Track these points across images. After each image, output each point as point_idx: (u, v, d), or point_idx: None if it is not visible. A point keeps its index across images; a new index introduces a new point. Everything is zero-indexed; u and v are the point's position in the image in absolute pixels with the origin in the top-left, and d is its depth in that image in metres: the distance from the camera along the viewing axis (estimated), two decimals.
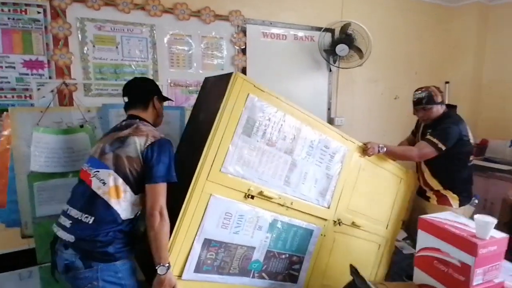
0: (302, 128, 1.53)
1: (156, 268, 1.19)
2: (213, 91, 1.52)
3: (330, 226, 1.70)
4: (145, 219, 1.21)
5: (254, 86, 1.39)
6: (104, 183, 1.20)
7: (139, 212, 1.29)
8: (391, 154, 1.86)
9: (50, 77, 1.98)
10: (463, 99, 3.21)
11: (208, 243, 1.38)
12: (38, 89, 1.85)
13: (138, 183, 1.23)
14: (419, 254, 1.23)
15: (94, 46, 2.08)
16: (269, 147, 1.45)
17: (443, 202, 1.92)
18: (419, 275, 1.23)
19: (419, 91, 1.94)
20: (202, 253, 1.37)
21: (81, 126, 1.74)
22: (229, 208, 1.40)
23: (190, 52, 2.35)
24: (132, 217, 1.24)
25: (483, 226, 1.07)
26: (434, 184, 1.96)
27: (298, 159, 1.54)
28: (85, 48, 2.06)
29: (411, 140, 2.20)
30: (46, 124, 1.67)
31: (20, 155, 1.63)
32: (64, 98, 2.00)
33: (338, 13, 2.82)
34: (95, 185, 1.20)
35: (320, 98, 2.89)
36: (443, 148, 1.80)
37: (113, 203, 1.19)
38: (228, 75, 1.36)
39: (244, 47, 2.50)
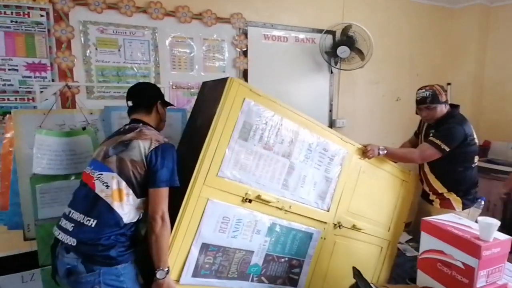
0: (300, 131, 1.53)
1: (155, 272, 1.19)
2: (210, 95, 1.53)
3: (330, 229, 1.69)
4: (147, 222, 1.22)
5: (250, 90, 1.39)
6: (107, 186, 1.20)
7: (141, 216, 1.29)
8: (392, 157, 1.84)
9: (53, 80, 1.99)
10: (464, 100, 3.20)
11: (206, 248, 1.38)
12: (41, 91, 1.86)
13: (141, 187, 1.23)
14: (422, 256, 1.22)
15: (96, 49, 2.09)
16: (267, 150, 1.45)
17: (446, 205, 1.89)
18: (422, 278, 1.22)
19: (423, 90, 1.88)
20: (200, 257, 1.37)
21: (84, 129, 1.75)
22: (226, 213, 1.40)
23: (191, 54, 2.36)
24: (134, 221, 1.24)
25: (487, 228, 1.06)
26: (438, 186, 1.92)
27: (296, 163, 1.54)
28: (88, 51, 2.07)
29: (414, 141, 2.17)
30: (49, 127, 1.68)
31: (22, 157, 1.64)
32: (67, 100, 2.01)
33: (339, 15, 2.83)
34: (98, 188, 1.21)
35: (322, 100, 2.89)
36: (447, 149, 1.76)
37: (116, 206, 1.19)
38: (224, 80, 1.36)
39: (245, 49, 2.51)
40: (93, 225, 1.17)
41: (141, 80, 2.19)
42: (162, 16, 2.22)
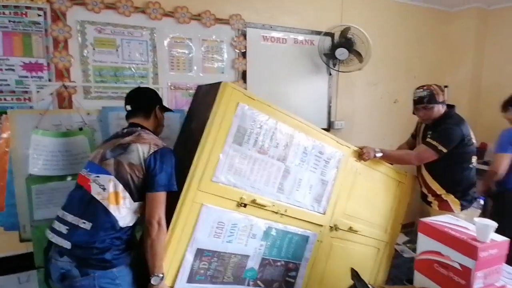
0: (295, 134, 1.52)
1: (150, 278, 1.19)
2: (204, 100, 1.53)
3: (327, 231, 1.69)
4: (143, 227, 1.21)
5: (244, 94, 1.39)
6: (104, 189, 1.19)
7: (137, 220, 1.28)
8: (388, 159, 1.84)
9: (49, 80, 1.98)
10: (461, 103, 3.21)
11: (200, 253, 1.37)
12: (38, 91, 1.84)
13: (138, 191, 1.23)
14: (420, 257, 1.22)
15: (94, 49, 2.08)
16: (261, 155, 1.45)
17: (444, 207, 1.89)
18: (419, 279, 1.22)
19: (421, 89, 1.88)
20: (194, 263, 1.37)
21: (81, 129, 1.74)
22: (221, 217, 1.39)
23: (190, 55, 2.36)
24: (130, 225, 1.24)
25: (483, 229, 1.06)
26: (436, 187, 1.92)
27: (292, 166, 1.53)
28: (85, 51, 2.06)
29: (411, 143, 2.17)
30: (45, 127, 1.67)
31: (18, 157, 1.62)
32: (64, 100, 2.00)
33: (338, 17, 2.84)
34: (94, 190, 1.20)
35: (320, 101, 2.90)
36: (444, 150, 1.76)
37: (112, 209, 1.18)
38: (218, 84, 1.36)
39: (244, 50, 2.51)
40: (88, 228, 1.16)
41: (139, 81, 2.19)
42: (161, 16, 2.21)
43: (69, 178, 1.67)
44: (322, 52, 2.71)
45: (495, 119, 3.31)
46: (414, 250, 2.14)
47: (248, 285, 1.52)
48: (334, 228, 1.71)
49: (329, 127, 2.93)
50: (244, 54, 2.52)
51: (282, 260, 1.59)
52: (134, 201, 1.23)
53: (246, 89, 2.53)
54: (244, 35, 2.50)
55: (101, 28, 2.08)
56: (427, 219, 1.25)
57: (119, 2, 2.09)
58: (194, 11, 2.31)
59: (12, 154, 1.63)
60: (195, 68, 2.38)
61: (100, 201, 1.18)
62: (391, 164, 1.89)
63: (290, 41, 2.70)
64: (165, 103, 1.56)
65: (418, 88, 1.91)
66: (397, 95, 3.23)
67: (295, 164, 1.54)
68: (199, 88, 1.78)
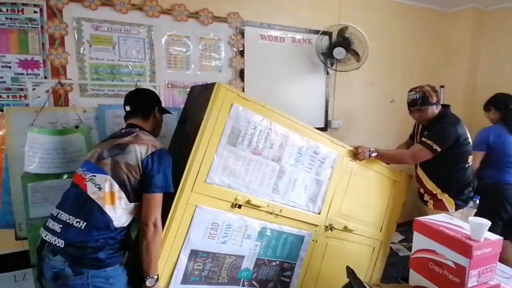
0: (289, 135, 1.53)
1: (145, 280, 1.19)
2: (198, 101, 1.53)
3: (322, 231, 1.70)
4: (138, 228, 1.21)
5: (238, 95, 1.39)
6: (99, 188, 1.19)
7: (132, 221, 1.28)
8: (383, 158, 1.85)
9: (45, 77, 1.96)
10: (457, 103, 3.24)
11: (195, 254, 1.38)
12: (33, 89, 1.83)
13: (135, 192, 1.23)
14: (415, 256, 1.23)
15: (90, 46, 2.06)
16: (256, 155, 1.45)
17: (440, 207, 1.91)
18: (414, 277, 1.23)
19: (413, 92, 1.90)
20: (189, 264, 1.37)
21: (77, 127, 1.73)
22: (215, 218, 1.39)
23: (188, 53, 2.35)
24: (125, 225, 1.23)
25: (478, 228, 1.07)
26: (432, 187, 1.94)
27: (287, 166, 1.54)
28: (82, 48, 2.05)
29: (410, 144, 2.16)
30: (41, 125, 1.66)
31: (14, 155, 1.62)
32: (60, 98, 1.99)
33: (336, 17, 2.84)
34: (90, 189, 1.19)
35: (318, 100, 2.90)
36: (439, 149, 1.77)
37: (107, 209, 1.18)
38: (212, 85, 1.36)
39: (242, 49, 2.51)
40: (82, 227, 1.15)
41: (136, 79, 2.18)
42: (158, 14, 2.20)
43: (65, 176, 1.66)
44: (320, 51, 2.71)
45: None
46: (409, 248, 2.16)
47: (243, 285, 1.53)
48: (329, 227, 1.72)
49: (326, 126, 2.94)
50: (242, 53, 2.51)
51: (277, 260, 1.60)
52: (130, 201, 1.23)
53: (243, 87, 2.53)
54: (242, 33, 2.49)
55: (98, 25, 2.07)
56: (422, 218, 1.26)
57: None
58: (191, 9, 2.30)
59: (8, 152, 1.62)
60: (192, 66, 2.37)
61: (96, 200, 1.18)
62: (387, 163, 1.90)
63: (288, 40, 2.69)
64: (162, 101, 1.55)
65: (411, 90, 1.93)
66: (393, 94, 3.25)
67: (290, 165, 1.54)
68: (193, 88, 1.77)
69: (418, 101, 1.86)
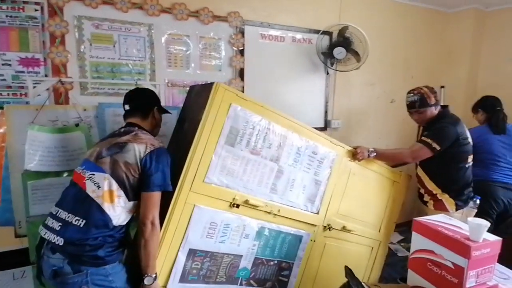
0: (288, 135, 1.53)
1: (143, 278, 1.19)
2: (197, 100, 1.53)
3: (320, 231, 1.70)
4: (137, 226, 1.22)
5: (237, 95, 1.39)
6: (98, 187, 1.19)
7: (131, 219, 1.28)
8: (383, 158, 1.85)
9: (46, 75, 1.96)
10: (458, 103, 3.24)
11: (193, 253, 1.38)
12: (34, 87, 1.84)
13: (133, 190, 1.23)
14: (413, 256, 1.23)
15: (91, 44, 2.07)
16: (254, 155, 1.45)
17: (440, 207, 1.90)
18: (413, 277, 1.23)
19: (411, 94, 1.90)
20: (187, 263, 1.38)
21: (77, 125, 1.73)
22: (213, 218, 1.40)
23: (188, 52, 2.35)
24: (124, 224, 1.24)
25: (476, 229, 1.08)
26: (432, 187, 1.94)
27: (285, 166, 1.54)
28: (82, 47, 2.05)
29: None
30: (42, 123, 1.66)
31: (14, 153, 1.62)
32: (60, 96, 1.99)
33: (336, 16, 2.84)
34: (89, 188, 1.20)
35: (317, 100, 2.90)
36: (438, 148, 1.77)
37: (106, 207, 1.18)
38: (210, 85, 1.36)
39: (242, 48, 2.51)
40: (81, 225, 1.16)
41: (136, 77, 2.18)
42: (158, 12, 2.20)
43: (65, 174, 1.67)
44: (320, 51, 2.71)
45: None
46: (408, 249, 2.16)
47: (241, 284, 1.53)
48: (327, 227, 1.72)
49: (326, 126, 2.94)
50: (242, 52, 2.51)
51: (275, 260, 1.60)
52: (129, 200, 1.23)
53: (243, 87, 2.53)
54: (242, 32, 2.49)
55: (98, 23, 2.07)
56: (421, 218, 1.26)
57: None
58: (192, 8, 2.30)
59: (8, 150, 1.62)
60: (192, 65, 2.37)
61: (95, 199, 1.18)
62: (391, 165, 1.90)
63: (288, 39, 2.69)
64: (162, 100, 1.56)
65: (409, 93, 1.94)
66: (394, 95, 3.24)
67: (288, 165, 1.55)
68: (192, 88, 1.78)
69: (417, 103, 1.87)
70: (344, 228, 1.78)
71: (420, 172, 1.99)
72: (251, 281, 1.56)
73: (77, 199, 1.20)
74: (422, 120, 1.93)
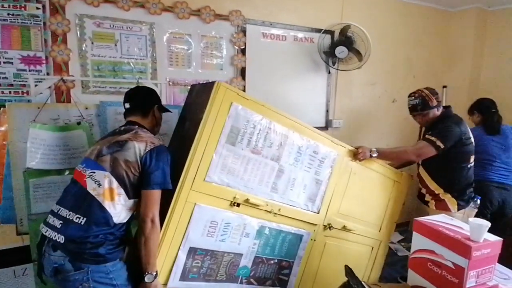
0: (289, 134, 1.53)
1: (144, 275, 1.20)
2: (198, 99, 1.53)
3: (320, 230, 1.71)
4: (137, 224, 1.22)
5: (238, 94, 1.39)
6: (99, 185, 1.20)
7: (132, 217, 1.29)
8: (385, 157, 1.85)
9: (47, 74, 1.97)
10: (460, 103, 3.22)
11: (193, 252, 1.39)
12: (36, 85, 1.84)
13: (134, 188, 1.24)
14: (414, 256, 1.23)
15: (92, 43, 2.07)
16: (255, 154, 1.46)
17: (442, 207, 1.90)
18: (413, 277, 1.24)
19: (413, 97, 1.91)
20: (187, 261, 1.38)
21: (78, 123, 1.74)
22: (214, 217, 1.40)
23: (189, 51, 2.35)
24: (124, 221, 1.24)
25: (477, 229, 1.08)
26: (434, 187, 1.93)
27: (286, 166, 1.54)
28: (84, 45, 2.05)
29: None
30: (43, 121, 1.67)
31: (16, 151, 1.62)
32: (62, 94, 1.99)
33: (338, 15, 2.83)
34: (89, 186, 1.20)
35: (319, 100, 2.90)
36: (442, 146, 1.76)
37: (107, 205, 1.19)
38: (211, 84, 1.36)
39: (243, 47, 2.51)
40: (82, 223, 1.16)
41: (138, 76, 2.18)
42: (160, 11, 2.20)
43: (66, 172, 1.67)
44: (322, 50, 2.71)
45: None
46: (408, 248, 2.15)
47: (241, 282, 1.54)
48: (328, 227, 1.72)
49: (327, 126, 2.94)
50: (243, 51, 2.51)
51: (275, 258, 1.61)
52: (129, 198, 1.24)
53: (244, 86, 2.53)
54: (244, 31, 2.49)
55: (100, 22, 2.07)
56: (421, 218, 1.26)
57: None
58: (193, 7, 2.30)
59: (10, 148, 1.63)
60: (194, 64, 2.37)
61: (95, 196, 1.19)
62: (396, 165, 1.89)
63: (289, 38, 2.69)
64: (163, 99, 1.56)
65: (410, 95, 1.94)
66: (395, 94, 3.24)
67: (289, 164, 1.55)
68: (193, 87, 1.78)
69: (418, 106, 1.88)
70: (344, 228, 1.78)
71: (422, 172, 1.99)
72: (251, 280, 1.56)
73: (78, 197, 1.21)
74: (425, 122, 1.93)
